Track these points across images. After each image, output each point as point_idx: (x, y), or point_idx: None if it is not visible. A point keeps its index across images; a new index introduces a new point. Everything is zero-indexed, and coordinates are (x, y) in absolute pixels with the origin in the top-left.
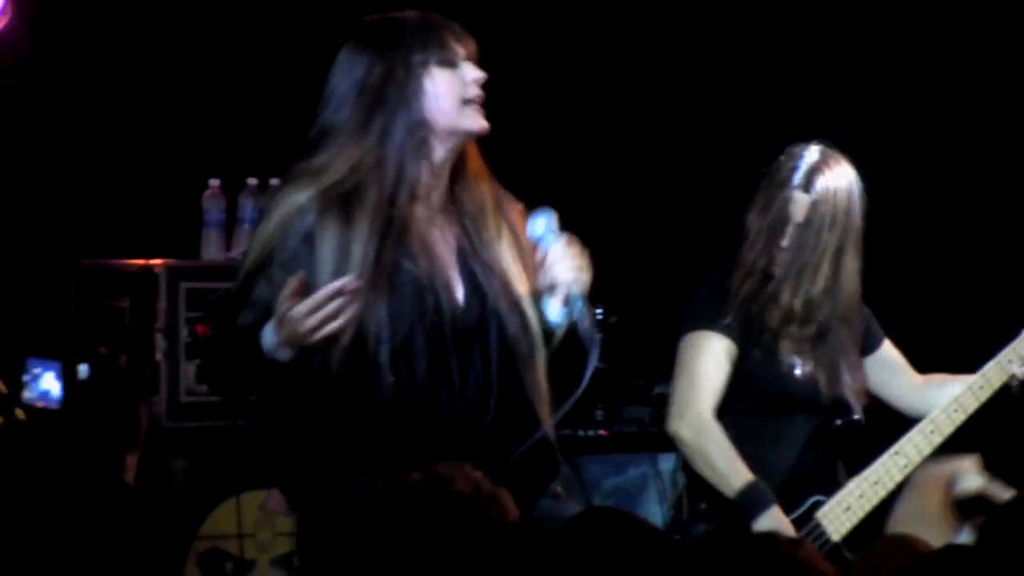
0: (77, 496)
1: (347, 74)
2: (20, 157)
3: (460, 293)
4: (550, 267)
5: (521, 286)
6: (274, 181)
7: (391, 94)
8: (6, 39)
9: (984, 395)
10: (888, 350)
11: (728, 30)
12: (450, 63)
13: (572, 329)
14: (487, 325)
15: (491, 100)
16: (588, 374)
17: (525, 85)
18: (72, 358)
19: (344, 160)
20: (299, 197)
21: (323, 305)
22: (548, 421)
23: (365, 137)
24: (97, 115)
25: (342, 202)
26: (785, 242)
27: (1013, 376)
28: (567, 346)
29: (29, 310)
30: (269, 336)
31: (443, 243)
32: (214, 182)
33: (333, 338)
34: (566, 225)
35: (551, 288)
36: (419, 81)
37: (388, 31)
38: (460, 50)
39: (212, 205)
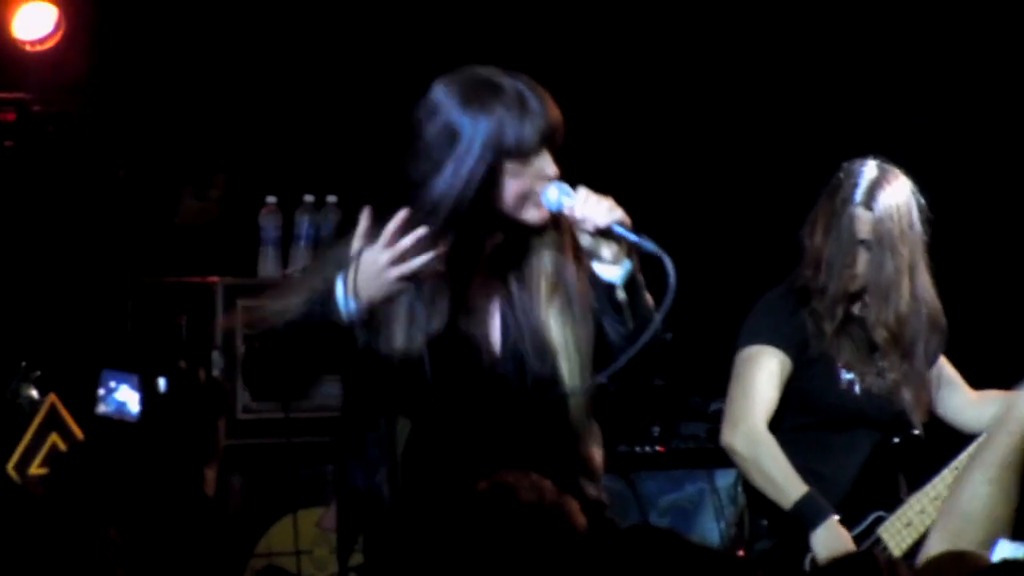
0: (159, 508)
1: (432, 121)
2: (80, 175)
3: (497, 341)
4: (582, 218)
5: (562, 337)
6: (331, 198)
7: (463, 165)
8: (64, 58)
9: None
10: (945, 366)
11: (780, 50)
12: (525, 156)
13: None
14: (523, 371)
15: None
16: (669, 296)
17: (581, 104)
18: (151, 371)
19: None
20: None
21: (396, 239)
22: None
23: (428, 191)
24: (155, 134)
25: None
26: (858, 262)
27: None
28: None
29: (90, 326)
30: (340, 289)
31: (488, 292)
32: (271, 199)
33: (405, 279)
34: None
35: (594, 236)
36: (491, 170)
37: (482, 99)
38: (541, 140)
39: (269, 222)
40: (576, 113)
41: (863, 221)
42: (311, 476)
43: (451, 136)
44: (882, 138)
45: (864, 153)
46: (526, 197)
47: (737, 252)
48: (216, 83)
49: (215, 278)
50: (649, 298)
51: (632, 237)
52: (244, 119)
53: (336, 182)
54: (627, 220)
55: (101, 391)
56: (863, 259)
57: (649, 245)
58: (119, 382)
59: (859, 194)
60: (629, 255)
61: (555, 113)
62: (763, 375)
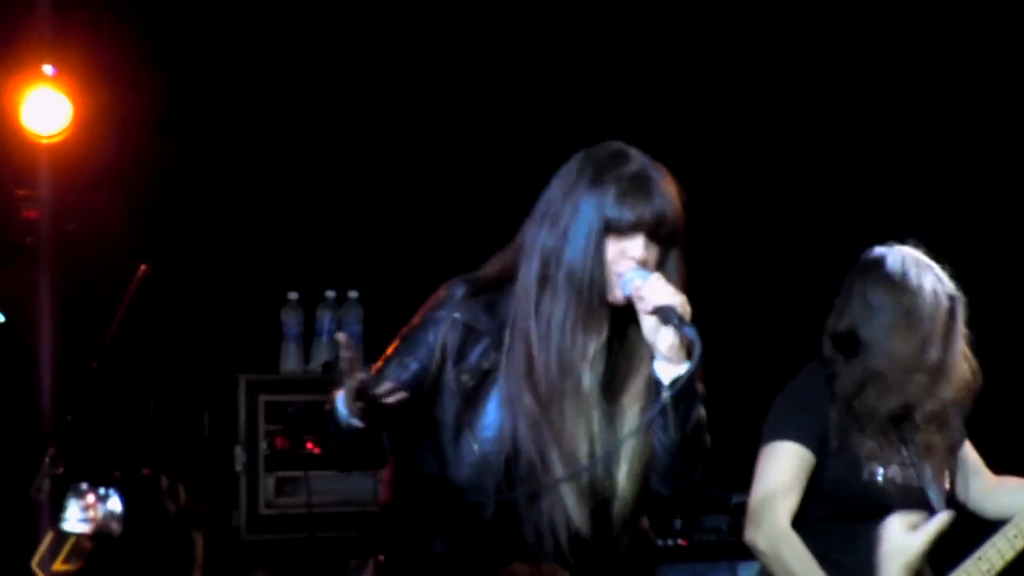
0: None
1: (553, 187)
2: (102, 270)
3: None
4: (642, 296)
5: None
6: (352, 294)
7: (565, 233)
8: (80, 152)
9: None
10: (968, 450)
11: (805, 134)
12: (621, 234)
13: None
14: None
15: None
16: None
17: None
18: (106, 482)
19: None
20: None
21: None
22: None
23: (524, 269)
24: (177, 230)
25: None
26: (888, 348)
27: None
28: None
29: (113, 421)
30: (339, 403)
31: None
32: (292, 295)
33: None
34: None
35: (652, 315)
36: (597, 244)
37: (601, 172)
38: (639, 223)
39: (290, 318)
40: None
41: (889, 310)
42: (334, 571)
43: (573, 205)
44: (914, 221)
45: (892, 236)
46: (612, 272)
47: (758, 341)
48: (238, 179)
49: (237, 374)
50: (703, 414)
51: (681, 323)
52: (265, 215)
53: (357, 277)
54: (686, 310)
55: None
56: (890, 345)
57: (691, 333)
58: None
59: (884, 280)
60: (689, 358)
61: (666, 204)
62: (786, 471)
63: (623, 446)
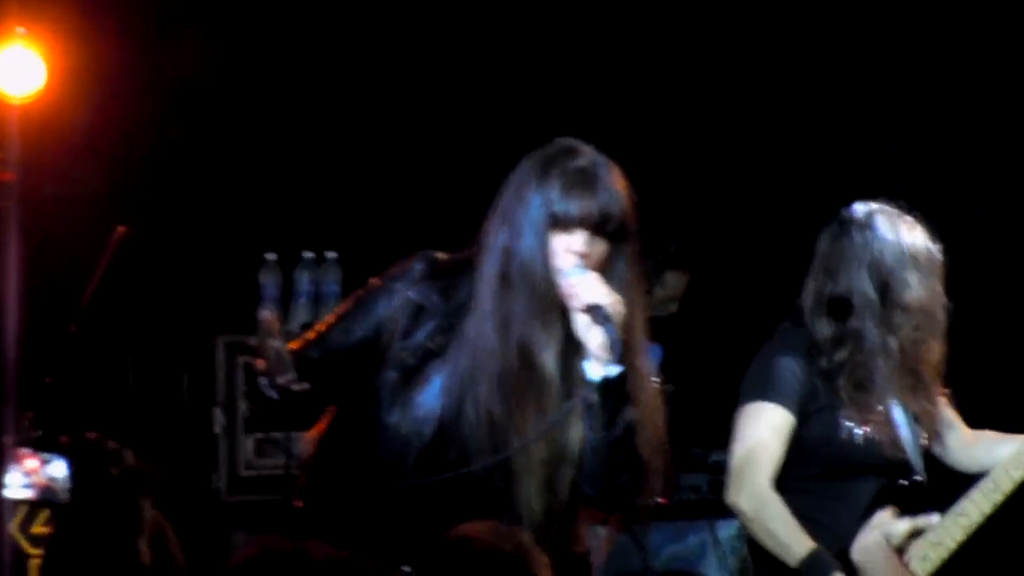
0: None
1: (508, 184)
2: (81, 233)
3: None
4: (575, 293)
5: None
6: (330, 255)
7: (516, 229)
8: (56, 115)
9: (1018, 475)
10: (944, 406)
11: (772, 98)
12: (566, 229)
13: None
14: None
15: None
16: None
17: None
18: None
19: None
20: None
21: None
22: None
23: (484, 263)
24: (153, 193)
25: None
26: (869, 310)
27: None
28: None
29: (92, 385)
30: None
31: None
32: (270, 256)
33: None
34: None
35: (583, 312)
36: (544, 239)
37: (548, 168)
38: (582, 220)
39: (269, 279)
40: None
41: (868, 270)
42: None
43: (521, 201)
44: (884, 182)
45: (864, 197)
46: (555, 267)
47: (734, 300)
48: (215, 140)
49: (216, 336)
50: (633, 417)
51: (605, 322)
52: (242, 176)
53: (335, 238)
54: (617, 310)
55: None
56: (870, 306)
57: (611, 334)
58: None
59: (861, 240)
60: (621, 362)
61: (612, 200)
62: (766, 431)
63: (535, 444)
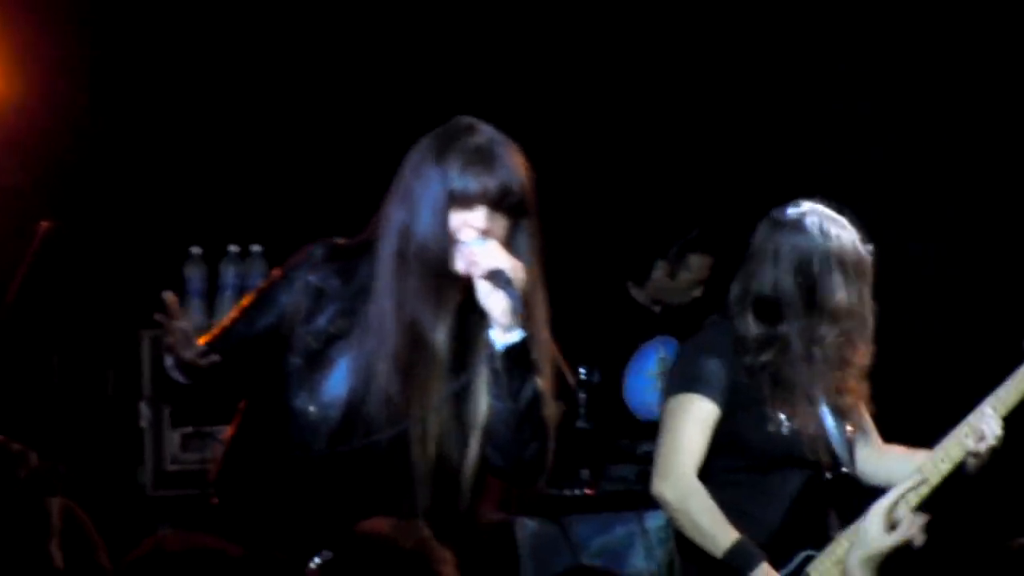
0: None
1: (406, 163)
2: (5, 225)
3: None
4: (475, 261)
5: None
6: (255, 248)
7: (415, 207)
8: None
9: (946, 468)
10: (864, 410)
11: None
12: (465, 207)
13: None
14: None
15: None
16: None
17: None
18: None
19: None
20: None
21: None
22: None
23: (382, 243)
24: (77, 187)
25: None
26: (794, 312)
27: (967, 452)
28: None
29: (16, 382)
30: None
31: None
32: (195, 250)
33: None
34: (550, 280)
35: (486, 280)
36: (443, 217)
37: (446, 146)
38: (482, 196)
39: (193, 273)
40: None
41: (795, 268)
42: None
43: (420, 179)
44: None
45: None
46: (454, 243)
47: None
48: (139, 134)
49: (141, 331)
50: (540, 387)
51: (507, 285)
52: (166, 170)
53: (260, 231)
54: (518, 275)
55: None
56: (796, 304)
57: (513, 297)
58: None
59: (792, 240)
60: (526, 328)
61: (510, 176)
62: (691, 424)
63: (437, 414)
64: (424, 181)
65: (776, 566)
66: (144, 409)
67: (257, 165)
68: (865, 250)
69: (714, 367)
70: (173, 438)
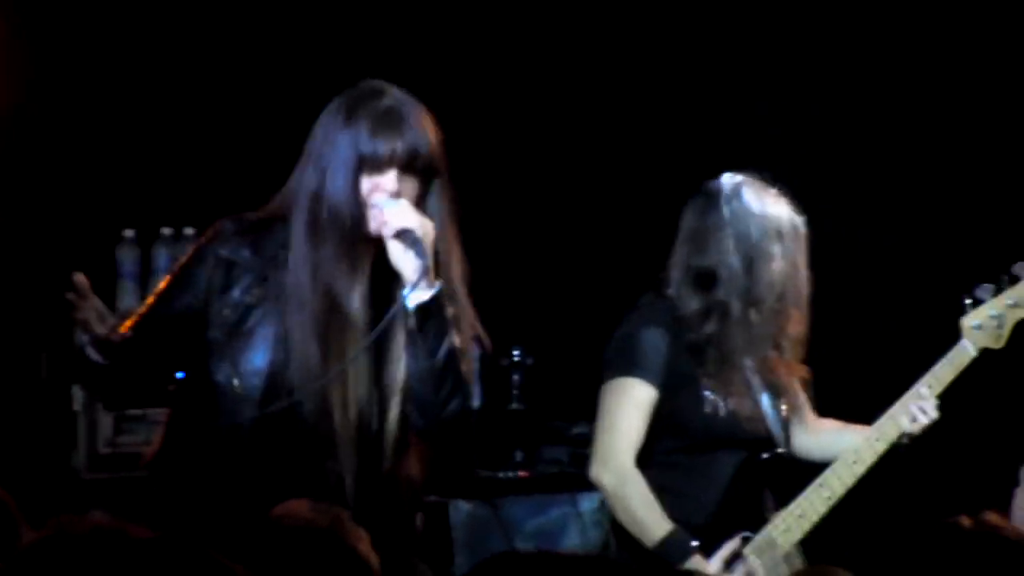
0: None
1: (315, 130)
2: None
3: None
4: (386, 220)
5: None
6: (188, 230)
7: (325, 173)
8: None
9: (881, 448)
10: (800, 386)
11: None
12: (376, 169)
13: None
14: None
15: None
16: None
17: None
18: None
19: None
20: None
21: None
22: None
23: (294, 211)
24: (7, 168)
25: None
26: (733, 282)
27: (902, 432)
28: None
29: None
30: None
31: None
32: (128, 233)
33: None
34: (483, 262)
35: (396, 240)
36: (355, 180)
37: (355, 110)
38: (392, 159)
39: (126, 256)
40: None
41: (733, 244)
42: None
43: (330, 144)
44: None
45: (729, 170)
46: (366, 205)
47: (596, 272)
48: (71, 114)
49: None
50: (455, 343)
51: (414, 244)
52: (98, 151)
53: (194, 214)
54: (427, 233)
55: None
56: (731, 280)
57: (421, 255)
58: None
59: (723, 216)
60: (441, 287)
61: (419, 138)
62: (630, 408)
63: (356, 377)
64: (333, 145)
65: (713, 547)
66: (77, 392)
67: (190, 147)
68: (800, 221)
69: (651, 348)
70: (107, 421)
